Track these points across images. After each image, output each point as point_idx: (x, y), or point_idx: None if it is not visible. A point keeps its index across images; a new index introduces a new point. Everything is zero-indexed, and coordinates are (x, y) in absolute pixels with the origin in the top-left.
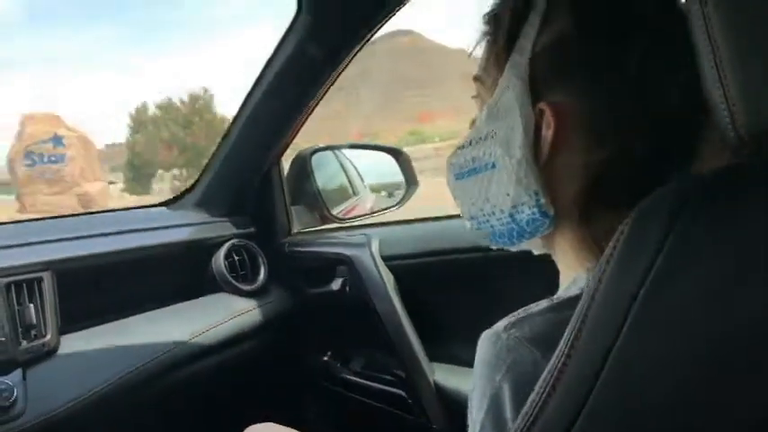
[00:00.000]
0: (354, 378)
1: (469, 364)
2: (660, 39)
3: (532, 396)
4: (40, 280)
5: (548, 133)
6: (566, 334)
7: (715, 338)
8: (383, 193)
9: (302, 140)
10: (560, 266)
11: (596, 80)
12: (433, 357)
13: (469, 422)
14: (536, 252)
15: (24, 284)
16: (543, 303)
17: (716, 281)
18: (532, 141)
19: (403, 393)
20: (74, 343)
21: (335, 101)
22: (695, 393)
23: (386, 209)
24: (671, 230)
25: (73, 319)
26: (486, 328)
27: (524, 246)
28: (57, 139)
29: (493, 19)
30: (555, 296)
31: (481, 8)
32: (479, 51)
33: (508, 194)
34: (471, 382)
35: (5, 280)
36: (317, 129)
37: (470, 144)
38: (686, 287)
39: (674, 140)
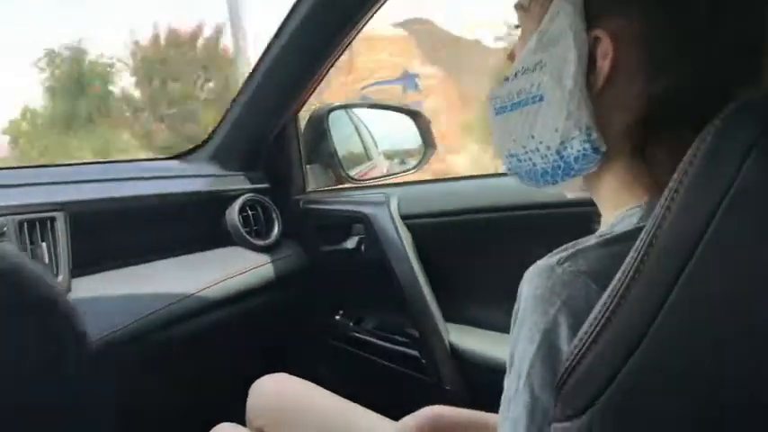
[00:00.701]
0: (366, 337)
1: (485, 325)
2: None
3: (586, 326)
4: (53, 219)
5: (604, 63)
6: (626, 263)
7: None
8: (395, 160)
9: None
10: (603, 206)
11: (658, 7)
12: (449, 318)
13: (510, 365)
14: (569, 195)
15: (38, 223)
16: (592, 239)
17: None
18: (586, 71)
19: (416, 354)
20: (85, 286)
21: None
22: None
23: (403, 171)
24: (755, 146)
25: (85, 262)
26: (503, 288)
27: (563, 186)
28: (410, 79)
29: None
30: (600, 233)
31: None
32: None
33: (557, 130)
34: (514, 321)
35: (19, 217)
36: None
37: (515, 76)
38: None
39: (740, 68)
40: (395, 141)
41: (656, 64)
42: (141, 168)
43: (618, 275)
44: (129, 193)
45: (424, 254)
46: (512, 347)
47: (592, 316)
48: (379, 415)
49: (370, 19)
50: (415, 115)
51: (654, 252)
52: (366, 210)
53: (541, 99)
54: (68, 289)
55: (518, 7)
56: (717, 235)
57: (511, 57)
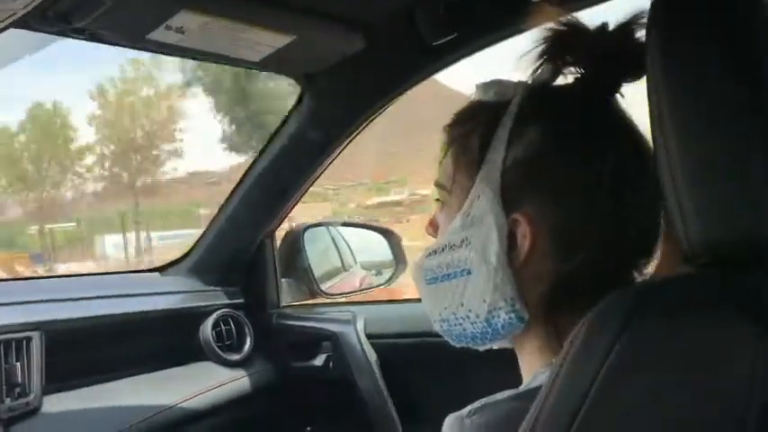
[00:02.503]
0: None
1: None
2: (627, 154)
3: None
4: (29, 339)
5: (524, 243)
6: (523, 424)
7: None
8: (372, 272)
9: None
10: (523, 365)
11: (569, 194)
12: None
13: None
14: (495, 347)
15: (13, 343)
16: (507, 393)
17: (663, 385)
18: (506, 249)
19: None
20: (57, 403)
21: (355, 142)
22: None
23: (375, 286)
24: (622, 333)
25: (58, 379)
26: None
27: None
28: None
29: (462, 132)
30: (519, 388)
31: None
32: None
33: (485, 300)
34: None
35: None
36: (340, 166)
37: (443, 250)
38: (633, 388)
39: (639, 249)
40: (371, 254)
41: (567, 246)
42: (119, 283)
43: (522, 426)
44: (106, 312)
45: (391, 373)
46: None
47: None
48: None
49: (346, 146)
50: (386, 233)
51: (542, 417)
52: (334, 328)
53: (469, 273)
54: (39, 407)
55: (439, 186)
56: (588, 410)
57: (432, 224)
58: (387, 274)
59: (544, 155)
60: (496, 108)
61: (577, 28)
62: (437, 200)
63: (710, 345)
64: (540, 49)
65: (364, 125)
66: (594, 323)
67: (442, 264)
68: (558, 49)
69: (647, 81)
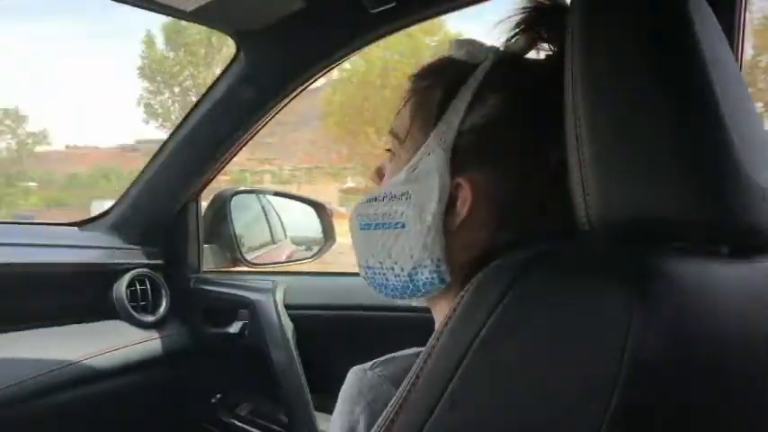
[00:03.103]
0: (238, 423)
1: None
2: None
3: (375, 427)
4: None
5: (462, 208)
6: (406, 378)
7: (529, 398)
8: (302, 247)
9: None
10: (437, 321)
11: (518, 168)
12: (323, 408)
13: None
14: (414, 304)
15: None
16: (412, 350)
17: (538, 347)
18: (444, 210)
19: None
20: None
21: (317, 129)
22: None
23: (300, 260)
24: (504, 297)
25: None
26: None
27: (409, 301)
28: None
29: (425, 85)
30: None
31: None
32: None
33: (411, 256)
34: (334, 412)
35: None
36: (302, 151)
37: (383, 198)
38: (510, 349)
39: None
40: (302, 228)
41: (503, 219)
42: (37, 233)
43: (404, 382)
44: (16, 260)
45: (305, 344)
46: None
47: (381, 417)
48: None
49: (278, 111)
50: (317, 207)
51: (426, 372)
52: (252, 296)
53: (403, 226)
54: None
55: (392, 135)
56: (469, 363)
57: (378, 172)
58: (315, 249)
59: (500, 125)
60: (464, 68)
61: (558, 4)
62: (388, 150)
63: (587, 309)
64: (517, 17)
65: (300, 89)
66: (481, 285)
67: (379, 213)
68: (535, 22)
69: (566, 48)
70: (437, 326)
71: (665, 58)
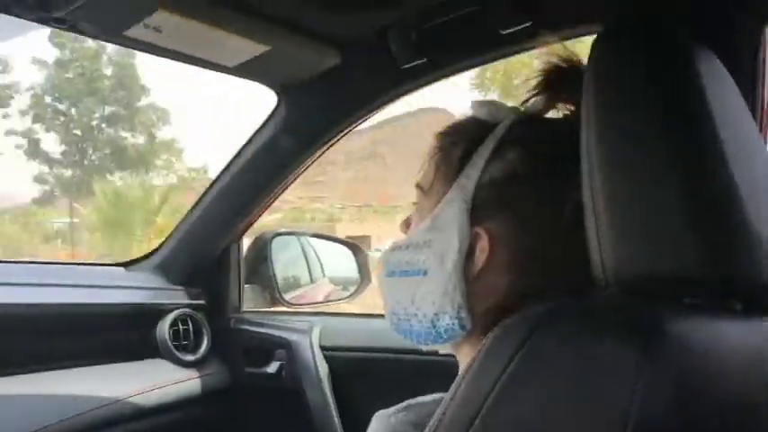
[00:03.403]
0: None
1: None
2: None
3: None
4: None
5: (481, 256)
6: (429, 426)
7: None
8: (339, 287)
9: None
10: (461, 367)
11: (532, 223)
12: None
13: None
14: (441, 352)
15: None
16: (434, 395)
17: (552, 399)
18: (465, 258)
19: None
20: (5, 387)
21: (366, 167)
22: None
23: (337, 300)
24: (520, 349)
25: (8, 363)
26: None
27: (433, 348)
28: None
29: (449, 141)
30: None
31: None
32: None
33: (433, 302)
34: None
35: None
36: (351, 190)
37: (407, 247)
38: (526, 400)
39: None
40: (339, 269)
41: (521, 268)
42: (81, 274)
43: (428, 427)
44: (65, 301)
45: (340, 386)
46: None
47: None
48: None
49: (318, 157)
50: (353, 248)
51: (448, 414)
52: (289, 336)
53: (425, 273)
54: None
55: (418, 188)
56: (485, 416)
57: (406, 222)
58: (351, 288)
59: (517, 179)
60: (485, 127)
61: (575, 66)
62: (414, 203)
63: (597, 366)
64: (536, 79)
65: (336, 138)
66: (499, 337)
67: (403, 260)
68: (553, 84)
69: (582, 110)
70: (460, 372)
71: (676, 118)
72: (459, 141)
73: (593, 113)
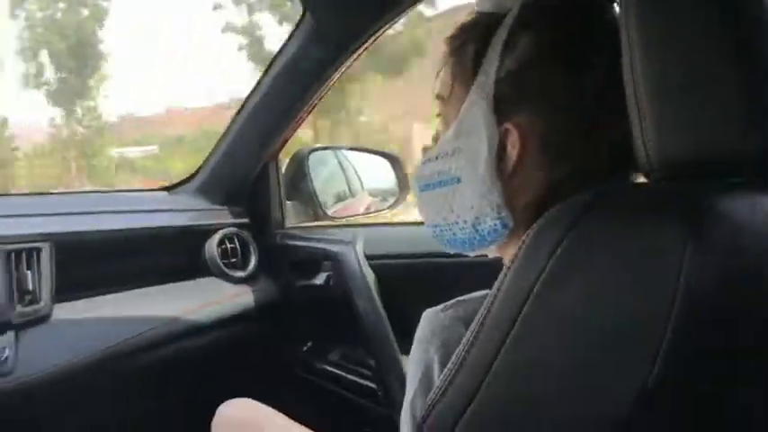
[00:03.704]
0: (330, 369)
1: None
2: (616, 67)
3: (449, 363)
4: (39, 250)
5: (513, 152)
6: (475, 320)
7: (592, 331)
8: (378, 198)
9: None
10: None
11: (558, 104)
12: (408, 351)
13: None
14: (490, 255)
15: (24, 253)
16: (482, 292)
17: (598, 285)
18: (496, 157)
19: (374, 386)
20: (67, 311)
21: (395, 78)
22: (576, 379)
23: (378, 211)
24: (565, 237)
25: (67, 290)
26: None
27: (479, 252)
28: None
29: (459, 43)
30: None
31: None
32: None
33: (472, 207)
34: (410, 353)
35: (7, 247)
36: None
37: (436, 158)
38: (573, 287)
39: (625, 157)
40: (377, 180)
41: (556, 156)
42: (128, 200)
43: (472, 325)
44: (114, 227)
45: (387, 292)
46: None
47: (454, 354)
48: None
49: (346, 69)
50: (391, 158)
51: (493, 311)
52: (334, 248)
53: (459, 181)
54: (49, 314)
55: (438, 98)
56: (533, 303)
57: (435, 138)
58: (391, 199)
59: (534, 65)
60: (494, 19)
61: None
62: (438, 115)
63: (644, 245)
64: None
65: (367, 44)
66: (541, 229)
67: (435, 171)
68: None
69: (620, 9)
70: (505, 267)
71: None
72: (470, 41)
73: (633, 7)
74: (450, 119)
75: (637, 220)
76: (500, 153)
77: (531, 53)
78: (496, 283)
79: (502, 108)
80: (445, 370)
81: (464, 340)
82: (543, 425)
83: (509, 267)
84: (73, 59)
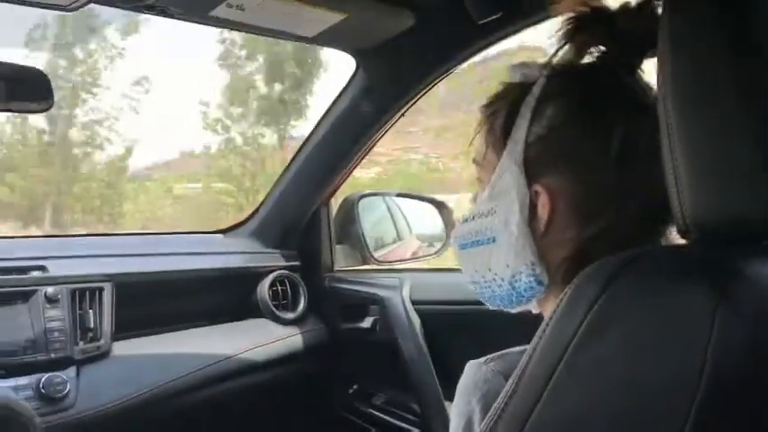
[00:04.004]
0: (376, 413)
1: None
2: (636, 127)
3: (490, 412)
4: (101, 289)
5: (543, 212)
6: (514, 373)
7: (629, 388)
8: (425, 243)
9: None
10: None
11: (585, 164)
12: (451, 398)
13: None
14: (534, 311)
15: (87, 292)
16: (523, 347)
17: (633, 341)
18: (528, 218)
19: (418, 431)
20: (126, 348)
21: (455, 115)
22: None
23: (425, 256)
24: (603, 293)
25: (126, 328)
26: None
27: (520, 309)
28: None
29: (491, 111)
30: None
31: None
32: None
33: (507, 265)
34: (453, 402)
35: (71, 287)
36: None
37: (473, 219)
38: (609, 342)
39: (650, 217)
40: (425, 226)
41: (584, 215)
42: (186, 242)
43: (513, 373)
44: (172, 268)
45: (432, 337)
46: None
47: (495, 404)
48: None
49: (398, 119)
50: (439, 205)
51: (529, 369)
52: (381, 292)
53: (494, 240)
54: (109, 351)
55: (474, 162)
56: (566, 364)
57: (474, 198)
58: (437, 245)
59: (561, 130)
60: (523, 88)
61: (598, 9)
62: (478, 179)
63: (675, 309)
64: (562, 31)
65: (415, 99)
66: (580, 284)
67: (472, 231)
68: (579, 31)
69: (657, 55)
70: (543, 322)
71: (751, 60)
72: (501, 109)
73: (667, 56)
74: (485, 181)
75: (669, 284)
76: (532, 214)
77: (558, 119)
78: (536, 337)
79: (532, 171)
80: (483, 422)
81: (503, 392)
82: None
83: (548, 321)
84: None
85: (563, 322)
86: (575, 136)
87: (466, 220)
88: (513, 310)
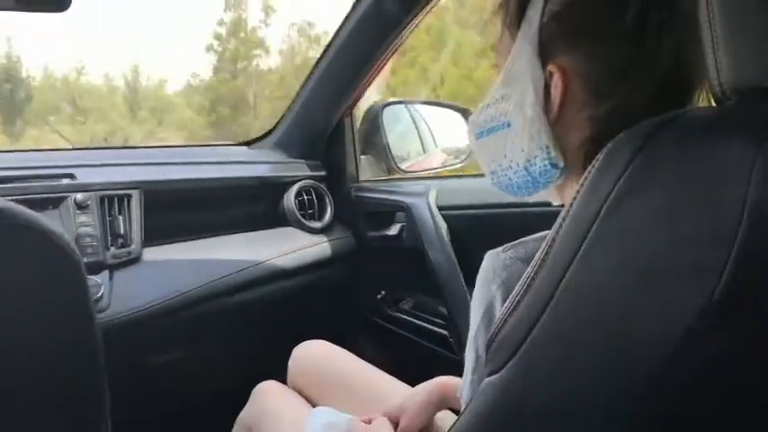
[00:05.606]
0: (403, 316)
1: None
2: (652, 1)
3: (511, 296)
4: (129, 196)
5: (556, 93)
6: (541, 248)
7: (658, 248)
8: (452, 156)
9: None
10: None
11: (597, 42)
12: None
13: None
14: (554, 203)
15: (116, 199)
16: (541, 233)
17: (659, 205)
18: (542, 100)
19: (446, 333)
20: (156, 254)
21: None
22: (639, 296)
23: (449, 166)
24: (633, 159)
25: (155, 235)
26: None
27: (542, 197)
28: None
29: None
30: None
31: None
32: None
33: (522, 150)
34: (474, 292)
35: (101, 193)
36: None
37: (489, 106)
38: (637, 207)
39: (670, 90)
40: (450, 134)
41: (597, 93)
42: (212, 153)
43: (535, 257)
44: (199, 176)
45: (458, 242)
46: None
47: (515, 289)
48: (401, 382)
49: (418, 24)
50: (464, 112)
51: (558, 239)
52: (408, 200)
53: (509, 125)
54: (140, 256)
55: (493, 49)
56: (599, 227)
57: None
58: (463, 156)
59: (575, 5)
60: None
61: None
62: (495, 65)
63: (713, 165)
64: None
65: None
66: (610, 154)
67: (487, 118)
68: None
69: None
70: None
71: None
72: None
73: None
74: (501, 67)
75: (704, 141)
76: (546, 96)
77: None
78: (561, 214)
79: (546, 51)
80: (506, 303)
81: (525, 274)
82: (608, 346)
83: (575, 198)
84: None
85: (590, 196)
86: (589, 11)
87: (482, 108)
88: (530, 199)
